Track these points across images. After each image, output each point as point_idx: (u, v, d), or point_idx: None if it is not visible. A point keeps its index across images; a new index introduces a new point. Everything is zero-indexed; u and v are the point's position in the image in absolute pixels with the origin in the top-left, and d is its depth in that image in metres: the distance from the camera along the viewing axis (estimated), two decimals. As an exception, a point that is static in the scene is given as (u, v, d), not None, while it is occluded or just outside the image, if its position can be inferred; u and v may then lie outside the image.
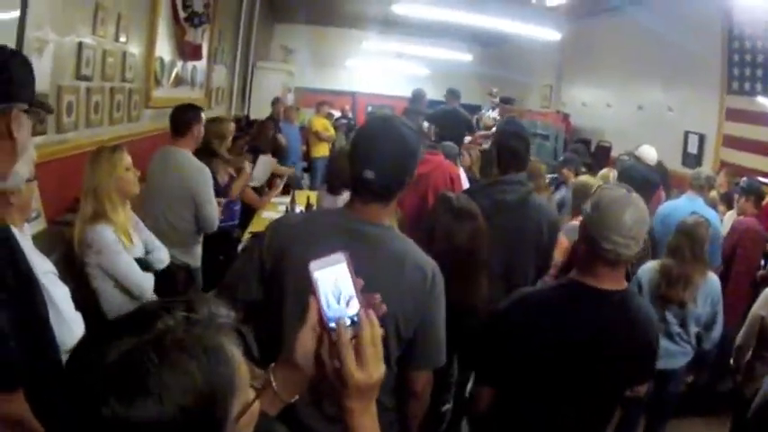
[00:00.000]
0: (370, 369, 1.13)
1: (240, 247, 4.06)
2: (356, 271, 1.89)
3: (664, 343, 3.82)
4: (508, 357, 2.39)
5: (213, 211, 4.38)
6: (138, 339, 0.85)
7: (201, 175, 4.32)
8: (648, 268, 4.06)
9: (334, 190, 4.54)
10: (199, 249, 4.62)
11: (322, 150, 11.58)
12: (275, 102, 10.92)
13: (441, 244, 2.82)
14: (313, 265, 1.19)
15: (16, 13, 3.18)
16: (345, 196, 4.62)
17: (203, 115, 4.53)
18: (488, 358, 2.50)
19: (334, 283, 1.18)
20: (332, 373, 1.16)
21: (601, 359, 2.30)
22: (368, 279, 1.86)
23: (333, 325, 1.16)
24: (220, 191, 5.34)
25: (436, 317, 2.07)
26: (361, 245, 1.91)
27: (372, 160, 1.94)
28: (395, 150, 1.96)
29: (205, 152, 5.28)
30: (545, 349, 2.32)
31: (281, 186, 6.70)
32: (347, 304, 1.17)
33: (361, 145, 2.04)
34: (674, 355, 4.04)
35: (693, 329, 4.04)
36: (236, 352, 0.94)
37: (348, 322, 1.15)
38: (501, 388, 2.51)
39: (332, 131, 12.07)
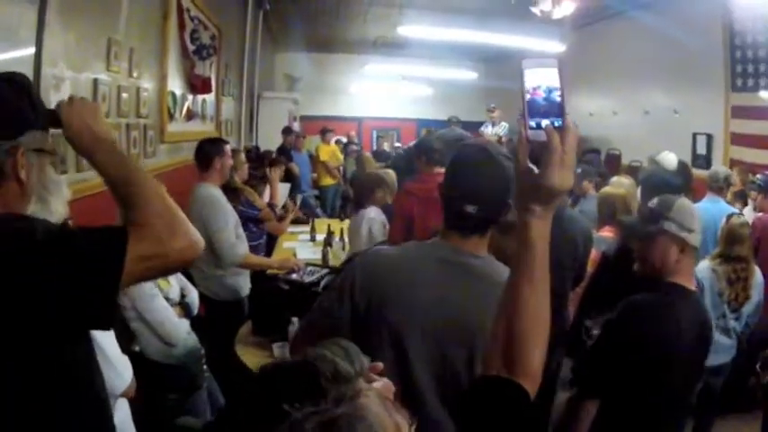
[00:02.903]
0: (566, 175, 1.16)
1: (323, 285, 4.00)
2: (465, 306, 1.82)
3: (721, 338, 3.98)
4: (629, 365, 2.44)
5: (225, 241, 4.36)
6: None
7: (209, 207, 4.36)
8: (704, 268, 4.12)
9: (359, 206, 4.66)
10: (231, 281, 4.62)
11: (331, 179, 11.61)
12: (287, 131, 10.95)
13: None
14: (525, 62, 1.18)
15: (32, 50, 3.16)
16: (368, 210, 4.62)
17: (227, 148, 4.61)
18: (603, 370, 2.51)
19: (542, 85, 1.17)
20: (523, 173, 1.20)
21: (694, 360, 2.49)
22: (479, 313, 1.79)
23: (532, 123, 1.17)
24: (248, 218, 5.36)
25: None
26: (468, 279, 1.86)
27: (474, 194, 1.88)
28: (496, 183, 1.89)
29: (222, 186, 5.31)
30: (665, 353, 2.43)
31: (297, 209, 6.68)
32: (552, 109, 1.16)
33: (460, 177, 1.97)
34: (728, 349, 4.16)
35: (744, 320, 4.17)
36: (381, 416, 0.85)
37: (548, 125, 1.16)
38: (613, 398, 2.53)
39: (340, 158, 12.09)
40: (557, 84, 1.16)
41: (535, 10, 7.68)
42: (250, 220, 5.62)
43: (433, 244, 2.05)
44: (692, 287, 2.51)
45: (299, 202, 7.56)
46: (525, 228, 1.23)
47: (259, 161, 7.86)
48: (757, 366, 4.08)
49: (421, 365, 1.84)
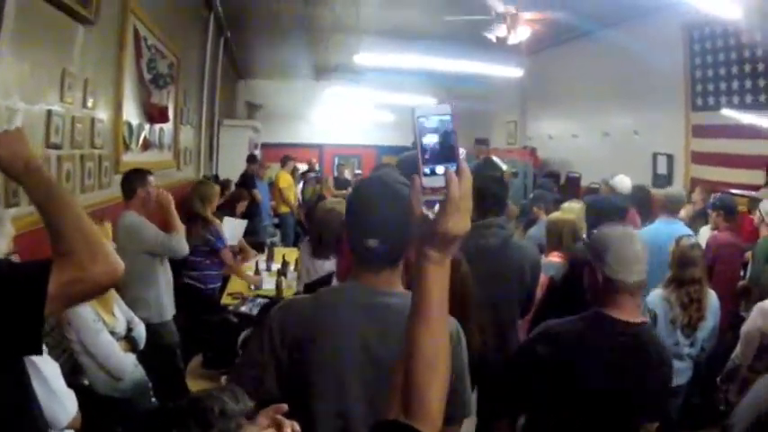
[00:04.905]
0: (462, 220, 1.16)
1: (242, 338, 3.96)
2: (385, 345, 1.77)
3: (673, 362, 3.93)
4: (536, 389, 2.53)
5: (162, 243, 4.59)
6: None
7: (135, 230, 4.55)
8: (657, 296, 4.14)
9: (321, 254, 4.39)
10: (158, 306, 4.73)
11: (286, 207, 11.61)
12: (251, 159, 10.94)
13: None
14: (418, 110, 1.19)
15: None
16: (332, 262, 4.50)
17: (150, 179, 4.75)
18: (514, 392, 2.59)
19: (436, 132, 1.19)
20: (419, 218, 1.20)
21: (624, 391, 2.45)
22: (399, 352, 1.77)
23: (426, 170, 1.18)
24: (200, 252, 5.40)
25: (463, 373, 1.98)
26: (386, 318, 1.79)
27: (373, 227, 1.82)
28: (394, 213, 1.80)
29: (188, 215, 5.33)
30: (571, 380, 2.46)
31: (254, 258, 6.76)
32: (447, 154, 1.18)
33: (358, 212, 1.91)
34: (681, 372, 4.11)
35: (699, 345, 4.15)
36: None
37: (443, 170, 1.17)
38: (527, 419, 2.55)
39: (293, 189, 12.11)
40: (450, 130, 1.18)
41: (491, 36, 7.77)
42: (215, 251, 5.82)
43: (346, 287, 2.01)
44: (623, 317, 2.49)
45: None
46: (422, 274, 1.22)
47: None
48: (717, 380, 4.14)
49: (357, 415, 1.80)
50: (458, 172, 1.16)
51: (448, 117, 1.19)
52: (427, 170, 1.18)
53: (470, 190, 1.17)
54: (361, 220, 1.88)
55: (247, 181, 10.09)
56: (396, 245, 1.85)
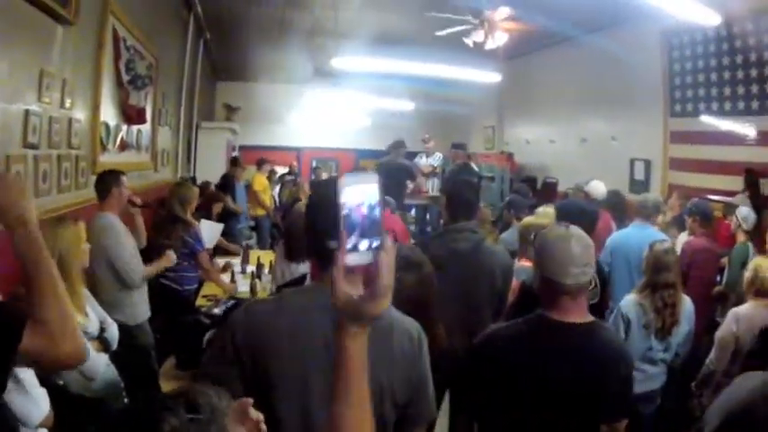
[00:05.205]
0: (385, 299, 1.14)
1: (206, 339, 3.94)
2: None
3: (646, 367, 4.00)
4: (483, 391, 2.56)
5: (125, 265, 4.58)
6: None
7: (107, 236, 4.53)
8: (631, 301, 4.16)
9: (296, 257, 4.30)
10: (133, 309, 4.72)
11: (261, 209, 11.61)
12: (234, 162, 10.91)
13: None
14: (345, 178, 1.12)
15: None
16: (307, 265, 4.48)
17: (124, 179, 4.77)
18: (466, 391, 2.66)
19: (362, 203, 1.12)
20: (340, 293, 1.15)
21: (571, 392, 2.44)
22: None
23: (350, 246, 1.11)
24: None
25: (426, 374, 2.00)
26: None
27: (332, 229, 1.82)
28: None
29: (167, 216, 5.32)
30: (515, 382, 2.49)
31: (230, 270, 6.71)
32: (372, 228, 1.11)
33: (317, 214, 1.91)
34: (655, 376, 4.15)
35: (674, 350, 4.15)
36: None
37: (366, 246, 1.11)
38: (481, 420, 2.66)
39: (268, 192, 12.10)
40: (376, 200, 1.11)
41: (468, 41, 7.80)
42: (193, 254, 5.81)
43: (310, 289, 2.02)
44: (568, 319, 2.49)
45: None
46: (342, 350, 1.22)
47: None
48: (692, 385, 4.17)
49: (321, 415, 1.80)
50: (381, 247, 1.11)
51: (375, 185, 1.12)
52: (350, 246, 1.11)
53: (393, 266, 1.13)
54: (321, 222, 1.88)
55: (227, 183, 10.03)
56: None
